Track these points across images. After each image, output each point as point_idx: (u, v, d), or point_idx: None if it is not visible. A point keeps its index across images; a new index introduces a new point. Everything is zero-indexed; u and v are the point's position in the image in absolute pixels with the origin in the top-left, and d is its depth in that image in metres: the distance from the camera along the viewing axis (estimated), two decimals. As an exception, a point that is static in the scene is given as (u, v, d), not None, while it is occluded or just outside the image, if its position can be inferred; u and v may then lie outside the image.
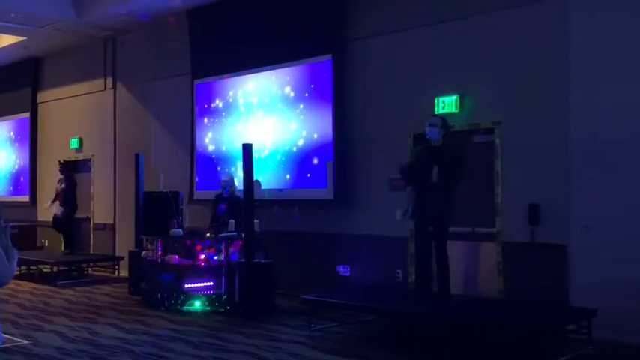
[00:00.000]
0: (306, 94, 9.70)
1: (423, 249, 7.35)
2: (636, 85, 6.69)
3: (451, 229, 7.45)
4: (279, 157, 9.99)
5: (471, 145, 8.02)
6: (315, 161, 9.50)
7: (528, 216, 7.33)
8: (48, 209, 12.92)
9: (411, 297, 7.43)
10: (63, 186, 12.65)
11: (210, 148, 11.10)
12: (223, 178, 9.74)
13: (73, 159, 13.95)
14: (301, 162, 9.72)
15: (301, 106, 9.75)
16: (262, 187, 9.82)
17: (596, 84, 6.93)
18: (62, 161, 13.06)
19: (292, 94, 9.89)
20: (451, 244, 7.60)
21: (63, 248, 12.79)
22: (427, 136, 7.36)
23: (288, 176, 9.83)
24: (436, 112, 8.07)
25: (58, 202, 12.65)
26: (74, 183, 12.83)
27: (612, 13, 6.87)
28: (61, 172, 12.81)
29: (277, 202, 9.85)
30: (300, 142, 9.73)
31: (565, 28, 7.17)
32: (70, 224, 12.80)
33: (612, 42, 6.85)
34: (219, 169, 10.86)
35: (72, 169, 13.25)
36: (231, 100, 10.83)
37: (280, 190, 9.84)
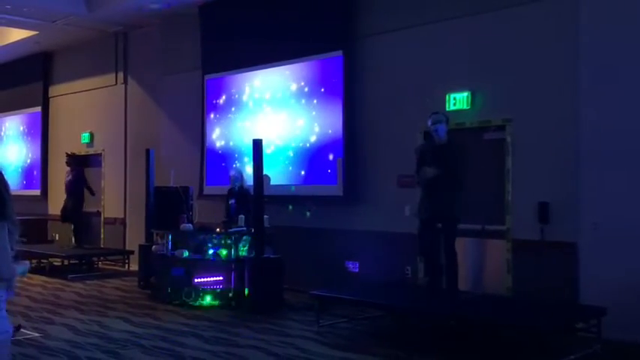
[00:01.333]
0: (318, 90, 9.69)
1: (430, 245, 7.35)
2: (648, 83, 6.66)
3: (461, 226, 7.47)
4: (290, 153, 10.00)
5: (481, 142, 8.00)
6: (331, 157, 9.47)
7: (538, 214, 7.30)
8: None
9: (424, 291, 7.38)
10: (70, 178, 12.73)
11: (220, 143, 11.12)
12: (232, 173, 9.75)
13: (84, 153, 14.02)
14: (311, 158, 9.72)
15: (313, 102, 9.74)
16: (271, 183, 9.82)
17: (607, 82, 6.89)
18: (70, 153, 13.12)
19: (303, 90, 9.88)
20: (461, 241, 7.60)
21: (73, 241, 12.84)
22: (435, 134, 7.34)
23: (303, 172, 9.78)
24: (447, 109, 8.07)
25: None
26: (81, 175, 12.90)
27: (623, 11, 6.83)
28: (68, 164, 12.88)
29: (289, 198, 9.85)
30: (311, 139, 9.72)
31: (576, 26, 7.12)
32: (77, 216, 12.87)
33: (623, 39, 6.81)
34: (223, 164, 10.89)
35: (80, 162, 13.33)
36: (241, 95, 10.84)
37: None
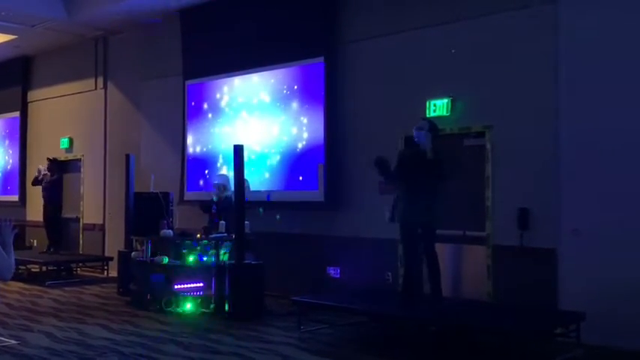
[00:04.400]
0: (300, 96, 9.70)
1: (415, 252, 7.33)
2: (626, 88, 6.73)
3: (441, 232, 7.49)
4: (272, 159, 9.99)
5: (461, 148, 8.04)
6: (307, 164, 9.48)
7: (518, 220, 7.35)
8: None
9: (402, 300, 7.37)
10: (50, 183, 12.65)
11: (201, 149, 11.08)
12: (217, 182, 9.62)
13: (63, 158, 13.90)
14: (292, 164, 9.71)
15: (294, 108, 9.74)
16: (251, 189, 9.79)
17: (586, 88, 6.97)
18: (52, 158, 13.07)
19: (284, 96, 9.88)
20: (441, 247, 7.62)
21: (50, 248, 12.72)
22: (415, 140, 7.36)
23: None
24: (427, 115, 8.11)
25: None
26: (61, 181, 12.85)
27: (602, 17, 6.92)
28: (50, 169, 12.82)
29: (270, 204, 9.83)
30: (291, 144, 9.72)
31: (555, 32, 7.21)
32: (56, 222, 12.79)
33: (602, 46, 6.89)
34: (207, 170, 10.86)
35: (61, 168, 13.26)
36: (222, 101, 10.82)
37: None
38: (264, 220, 9.50)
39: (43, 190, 12.83)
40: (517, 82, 7.53)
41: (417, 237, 7.30)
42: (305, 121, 9.57)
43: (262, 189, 9.94)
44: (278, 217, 9.60)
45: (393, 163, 7.26)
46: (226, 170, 10.35)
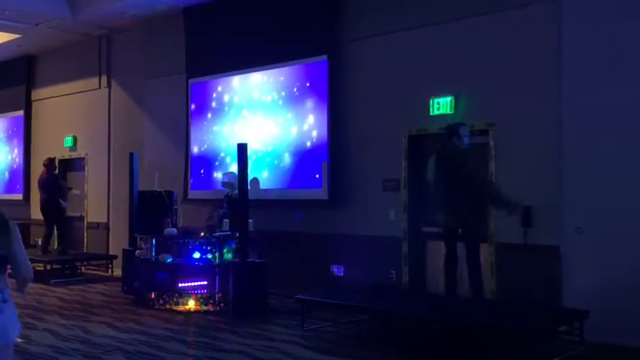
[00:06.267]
0: (303, 94, 9.70)
1: (455, 253, 7.16)
2: (629, 88, 6.72)
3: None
4: (273, 157, 10.00)
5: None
6: (312, 162, 9.47)
7: (522, 217, 7.34)
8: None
9: (443, 301, 7.06)
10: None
11: (204, 147, 11.10)
12: (226, 180, 9.64)
13: (67, 157, 13.93)
14: (297, 162, 9.72)
15: (298, 106, 9.75)
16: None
17: (589, 86, 6.96)
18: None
19: (288, 94, 9.89)
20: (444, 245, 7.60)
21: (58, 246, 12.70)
22: (464, 146, 7.09)
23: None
24: (431, 114, 8.14)
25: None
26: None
27: (605, 16, 6.91)
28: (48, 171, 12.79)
29: (274, 202, 9.84)
30: (297, 143, 9.72)
31: (559, 31, 7.20)
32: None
33: (605, 44, 6.88)
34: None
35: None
36: (225, 99, 10.83)
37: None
38: (267, 218, 9.52)
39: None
40: (520, 79, 7.52)
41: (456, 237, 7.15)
42: (310, 119, 9.57)
43: (268, 187, 9.95)
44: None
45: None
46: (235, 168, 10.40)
